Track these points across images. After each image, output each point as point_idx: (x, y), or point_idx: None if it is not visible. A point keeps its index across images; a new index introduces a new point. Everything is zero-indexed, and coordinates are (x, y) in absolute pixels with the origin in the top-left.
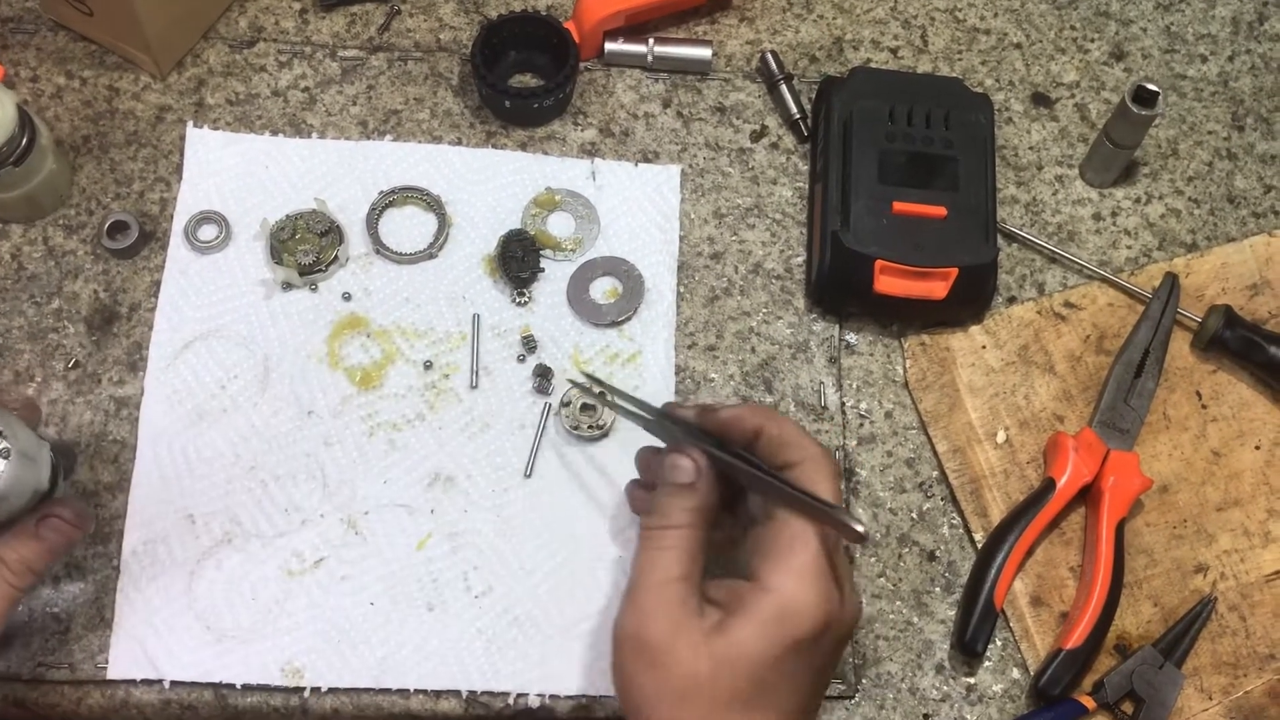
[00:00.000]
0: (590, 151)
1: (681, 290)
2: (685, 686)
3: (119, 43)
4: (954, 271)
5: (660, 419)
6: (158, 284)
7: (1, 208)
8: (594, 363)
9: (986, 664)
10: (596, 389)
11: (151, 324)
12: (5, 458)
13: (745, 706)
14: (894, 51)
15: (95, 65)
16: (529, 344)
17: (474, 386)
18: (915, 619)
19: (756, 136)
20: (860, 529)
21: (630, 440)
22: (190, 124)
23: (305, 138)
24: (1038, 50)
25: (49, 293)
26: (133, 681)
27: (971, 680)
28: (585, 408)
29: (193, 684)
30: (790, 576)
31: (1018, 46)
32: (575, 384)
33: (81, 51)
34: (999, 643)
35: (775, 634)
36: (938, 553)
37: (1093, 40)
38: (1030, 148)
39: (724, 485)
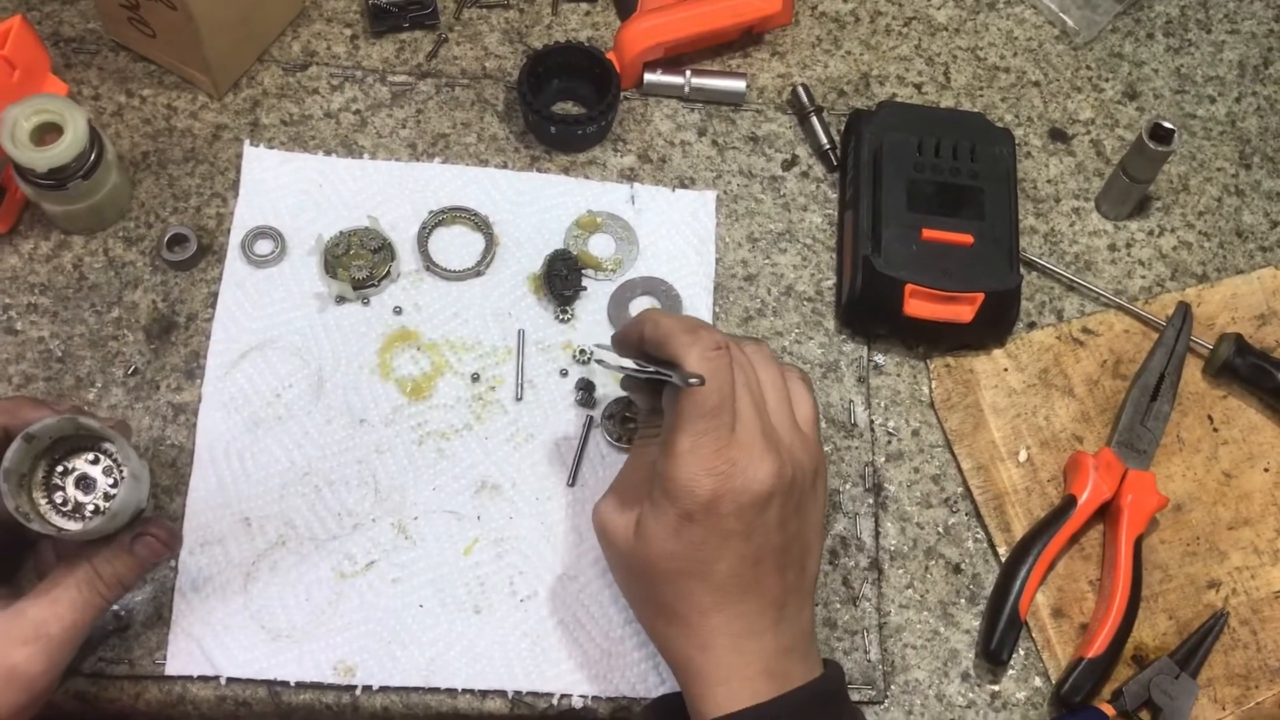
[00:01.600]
0: (629, 176)
1: (717, 310)
2: (626, 565)
3: (179, 63)
4: (980, 296)
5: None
6: (214, 295)
7: (67, 219)
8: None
9: (1010, 672)
10: (609, 363)
11: (208, 334)
12: (120, 479)
13: (673, 576)
14: (918, 87)
15: (154, 84)
16: (582, 356)
17: (519, 399)
18: (942, 629)
19: (788, 165)
20: (692, 381)
21: None
22: (247, 142)
23: (357, 158)
24: (1055, 88)
25: (109, 302)
26: (189, 678)
27: (996, 688)
28: (626, 420)
29: (248, 680)
30: (671, 461)
31: (1036, 84)
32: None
33: (141, 71)
34: (1022, 652)
35: (667, 513)
36: (963, 565)
37: (1107, 80)
38: (1049, 180)
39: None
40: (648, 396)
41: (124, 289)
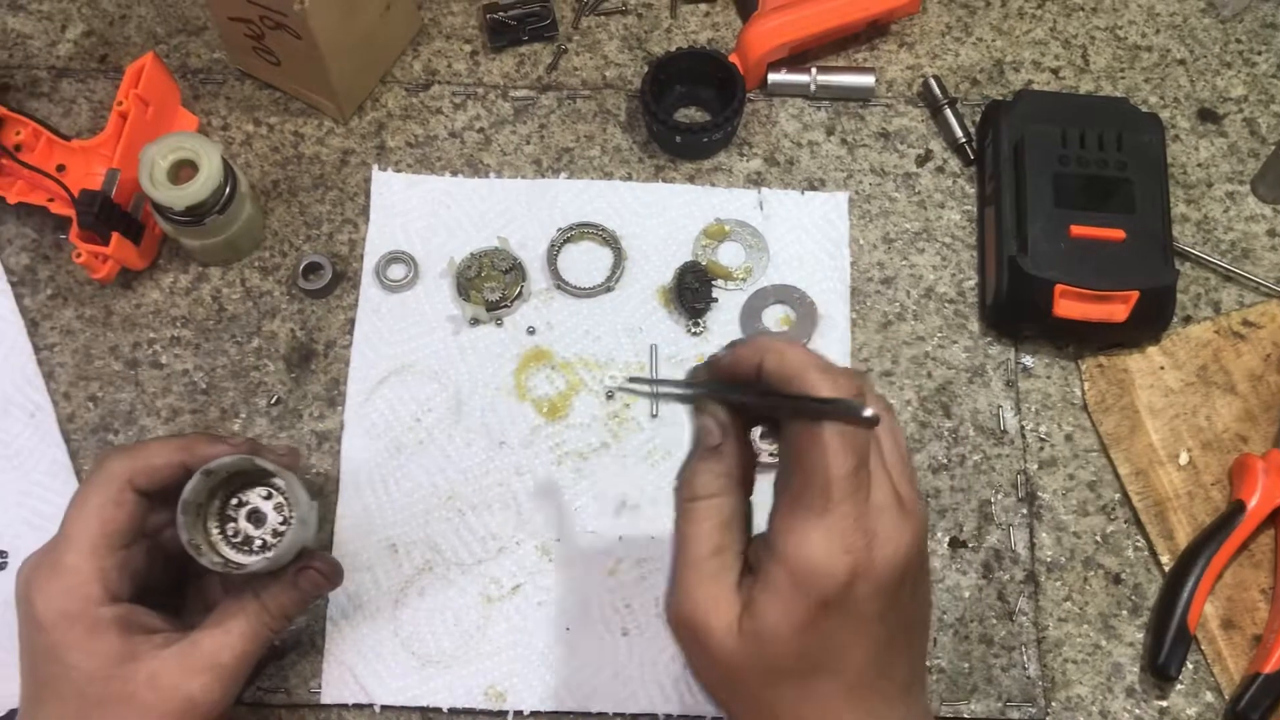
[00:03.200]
0: (756, 181)
1: (854, 316)
2: (727, 668)
3: (305, 90)
4: (1134, 294)
5: (691, 388)
6: (351, 322)
7: (204, 252)
8: None
9: (1179, 687)
10: (644, 387)
11: (347, 360)
12: (288, 518)
13: (798, 679)
14: (1055, 72)
15: (280, 112)
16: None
17: (654, 415)
18: (1103, 642)
19: (921, 161)
20: (868, 413)
21: None
22: (375, 167)
23: (483, 177)
24: (1202, 65)
25: (249, 332)
26: (344, 705)
27: (1164, 704)
28: (765, 435)
29: (401, 708)
30: (796, 536)
31: (1181, 63)
32: (623, 389)
33: (267, 99)
34: (1190, 666)
35: (797, 603)
36: (1123, 575)
37: (1260, 53)
38: (1199, 165)
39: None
40: (724, 434)
41: (263, 319)
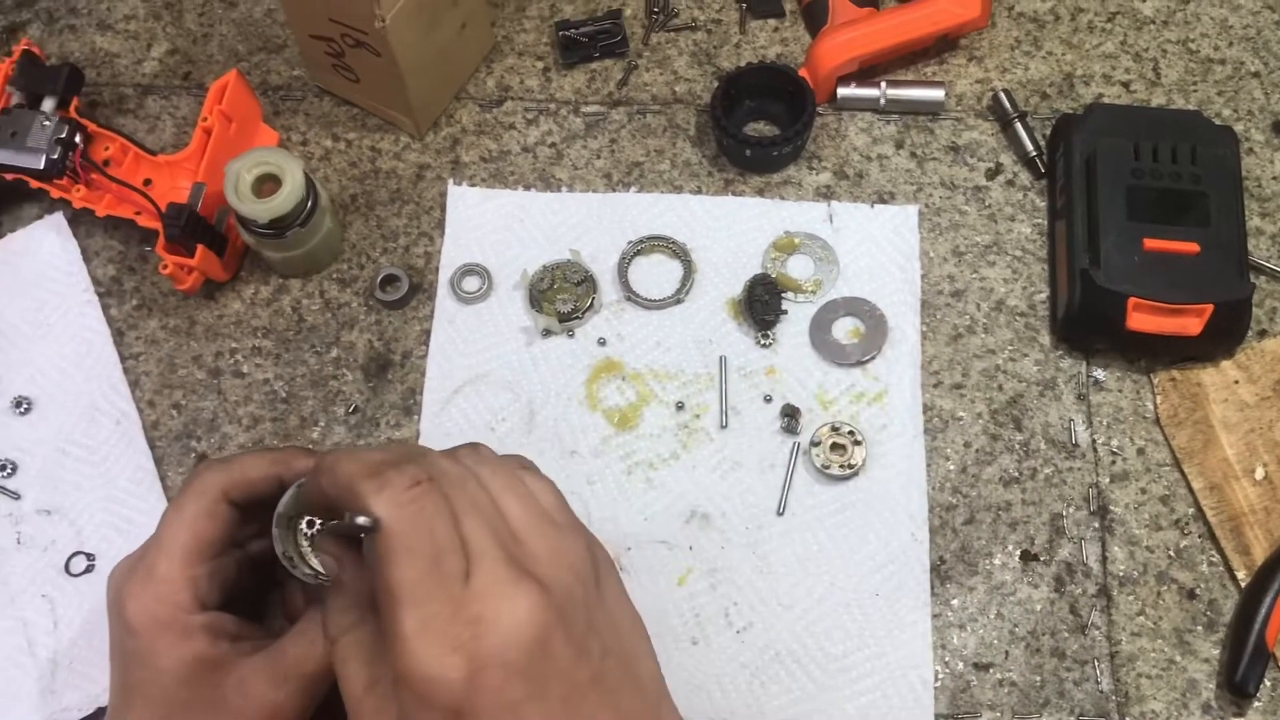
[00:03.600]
0: (826, 194)
1: (924, 329)
2: None
3: (382, 106)
4: (1209, 308)
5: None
6: (427, 333)
7: (285, 265)
8: (839, 402)
9: (1256, 705)
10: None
11: (423, 370)
12: None
13: None
14: (1126, 85)
15: (358, 128)
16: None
17: (724, 426)
18: (1178, 658)
19: (992, 174)
20: (362, 521)
21: (883, 479)
22: (451, 182)
23: (555, 192)
24: (1278, 78)
25: (328, 342)
26: None
27: None
28: (835, 447)
29: None
30: (399, 651)
31: (1255, 75)
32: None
33: (345, 115)
34: (1269, 683)
35: None
36: (1197, 590)
37: None
38: (1274, 178)
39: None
40: (339, 564)
41: (341, 329)
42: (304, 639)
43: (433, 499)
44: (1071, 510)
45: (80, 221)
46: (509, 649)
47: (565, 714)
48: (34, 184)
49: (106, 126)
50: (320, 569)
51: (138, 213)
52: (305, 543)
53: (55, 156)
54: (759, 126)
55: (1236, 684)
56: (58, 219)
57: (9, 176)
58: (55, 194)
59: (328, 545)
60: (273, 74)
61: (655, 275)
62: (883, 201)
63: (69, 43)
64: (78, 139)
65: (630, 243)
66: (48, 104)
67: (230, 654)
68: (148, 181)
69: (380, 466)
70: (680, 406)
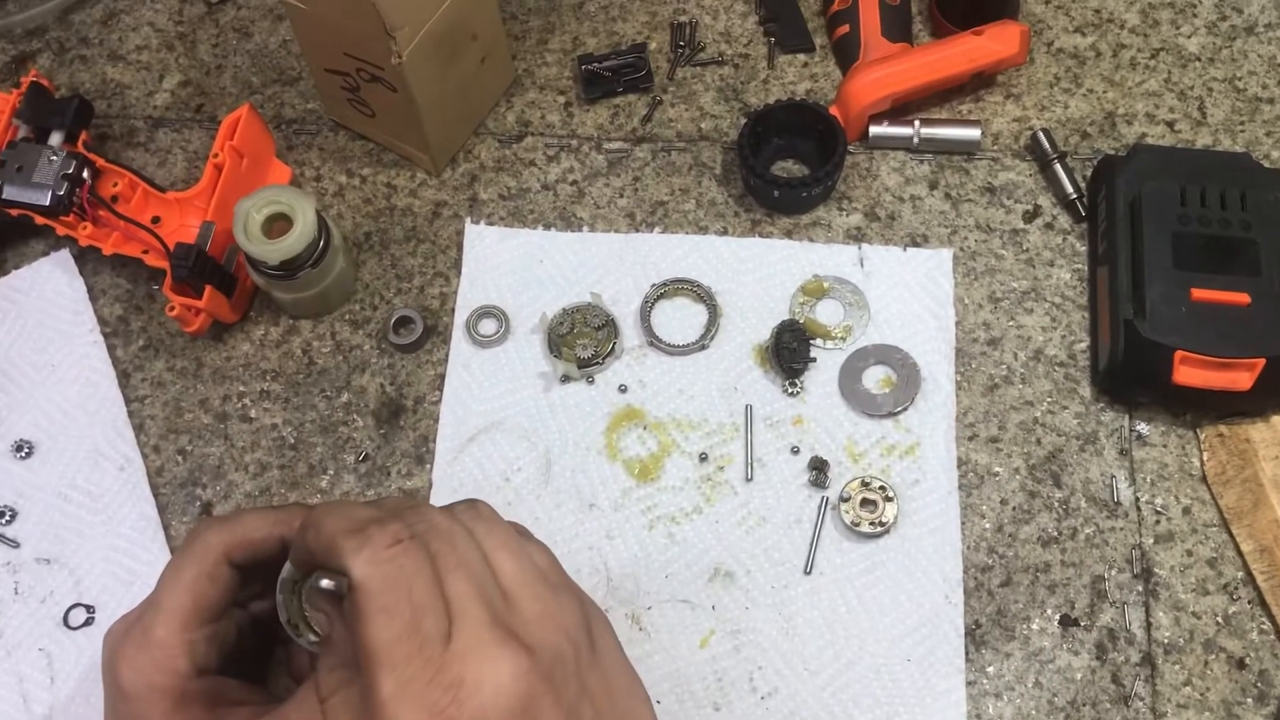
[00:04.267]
0: (856, 237)
1: (959, 379)
2: None
3: (398, 142)
4: (1261, 362)
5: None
6: (441, 377)
7: (296, 306)
8: (870, 455)
9: None
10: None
11: (436, 417)
12: None
13: None
14: (1170, 125)
15: (373, 163)
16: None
17: (749, 479)
18: None
19: (1030, 217)
20: (325, 584)
21: (915, 537)
22: (468, 220)
23: (576, 231)
24: None
25: (338, 387)
26: None
27: None
28: (865, 503)
29: None
30: (373, 717)
31: None
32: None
33: (360, 150)
34: None
35: None
36: (1247, 660)
37: None
38: None
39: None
40: (330, 621)
41: (352, 373)
42: (307, 705)
43: (413, 557)
44: (1114, 573)
45: (86, 259)
46: (491, 714)
47: None
48: (40, 220)
49: (115, 161)
50: None
51: (145, 251)
52: (309, 606)
53: (62, 193)
54: (788, 165)
55: None
56: (64, 256)
57: (14, 212)
58: (61, 231)
59: (319, 603)
60: (287, 107)
61: (679, 320)
62: (915, 245)
63: (79, 73)
64: (85, 174)
65: (653, 285)
66: (55, 138)
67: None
68: (156, 219)
69: (364, 523)
70: (704, 458)
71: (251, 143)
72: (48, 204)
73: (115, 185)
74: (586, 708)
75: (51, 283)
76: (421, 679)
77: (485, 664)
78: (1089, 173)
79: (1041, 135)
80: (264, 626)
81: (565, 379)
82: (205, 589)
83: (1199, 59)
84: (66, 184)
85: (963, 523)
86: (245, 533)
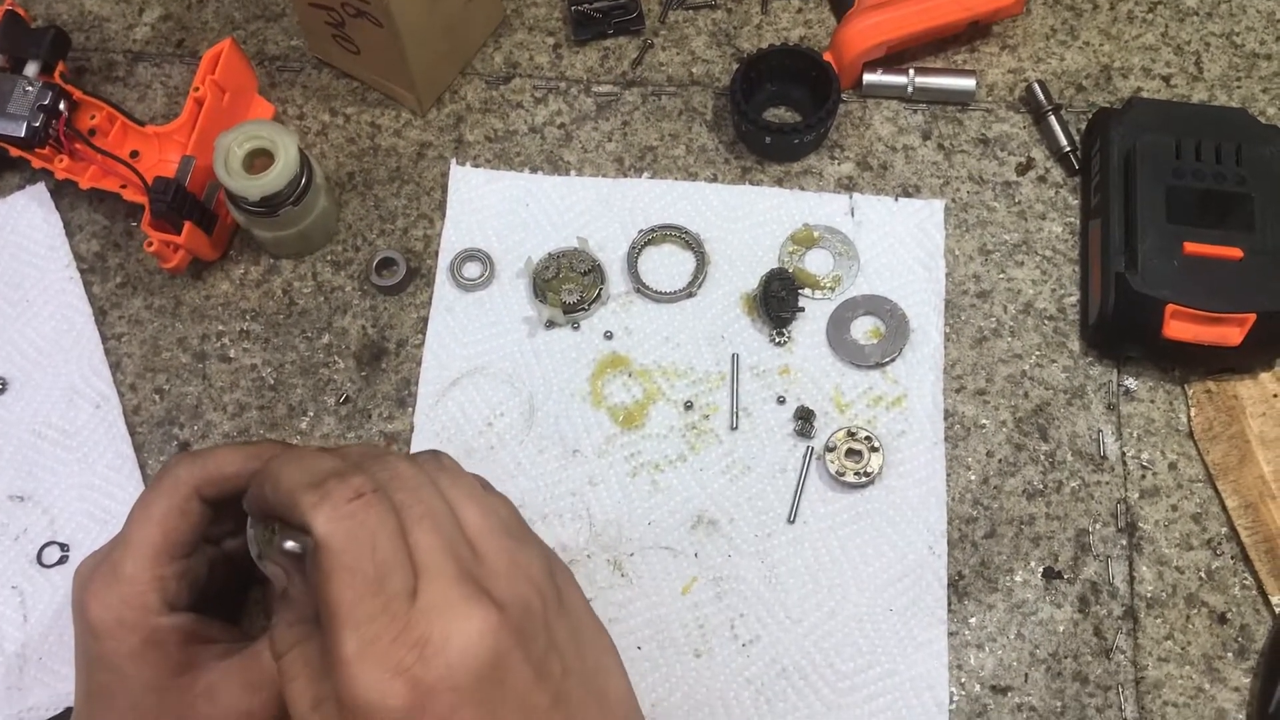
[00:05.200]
0: (848, 186)
1: (948, 330)
2: None
3: (383, 80)
4: (1251, 318)
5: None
6: (424, 320)
7: (276, 244)
8: (856, 405)
9: None
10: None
11: (418, 360)
12: None
13: None
14: (1166, 80)
15: (358, 102)
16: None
17: (734, 428)
18: (1206, 685)
19: (1023, 169)
20: (289, 546)
21: (900, 488)
22: (453, 162)
23: (563, 175)
24: None
25: (319, 328)
26: None
27: None
28: (851, 453)
29: None
30: (340, 677)
31: None
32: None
33: (344, 89)
34: None
35: None
36: (1229, 615)
37: None
38: None
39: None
40: (288, 575)
41: (333, 314)
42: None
43: (376, 511)
44: (1098, 526)
45: (63, 194)
46: (458, 673)
47: None
48: (14, 152)
49: (93, 94)
50: None
51: (123, 186)
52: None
53: (37, 124)
54: (779, 112)
55: (1269, 716)
56: (40, 189)
57: None
58: (37, 164)
59: (276, 556)
60: (270, 43)
61: (666, 267)
62: (907, 195)
63: (56, 4)
64: (62, 106)
65: (641, 232)
66: (31, 68)
67: (200, 658)
68: (135, 153)
69: (324, 476)
70: (689, 406)
71: (233, 78)
72: (23, 135)
73: (93, 118)
74: (555, 661)
75: (27, 216)
76: (386, 637)
77: (453, 621)
78: (1083, 126)
79: (1037, 87)
80: (238, 565)
81: (550, 324)
82: (175, 524)
83: (1197, 13)
84: (43, 115)
85: (948, 474)
86: (217, 467)
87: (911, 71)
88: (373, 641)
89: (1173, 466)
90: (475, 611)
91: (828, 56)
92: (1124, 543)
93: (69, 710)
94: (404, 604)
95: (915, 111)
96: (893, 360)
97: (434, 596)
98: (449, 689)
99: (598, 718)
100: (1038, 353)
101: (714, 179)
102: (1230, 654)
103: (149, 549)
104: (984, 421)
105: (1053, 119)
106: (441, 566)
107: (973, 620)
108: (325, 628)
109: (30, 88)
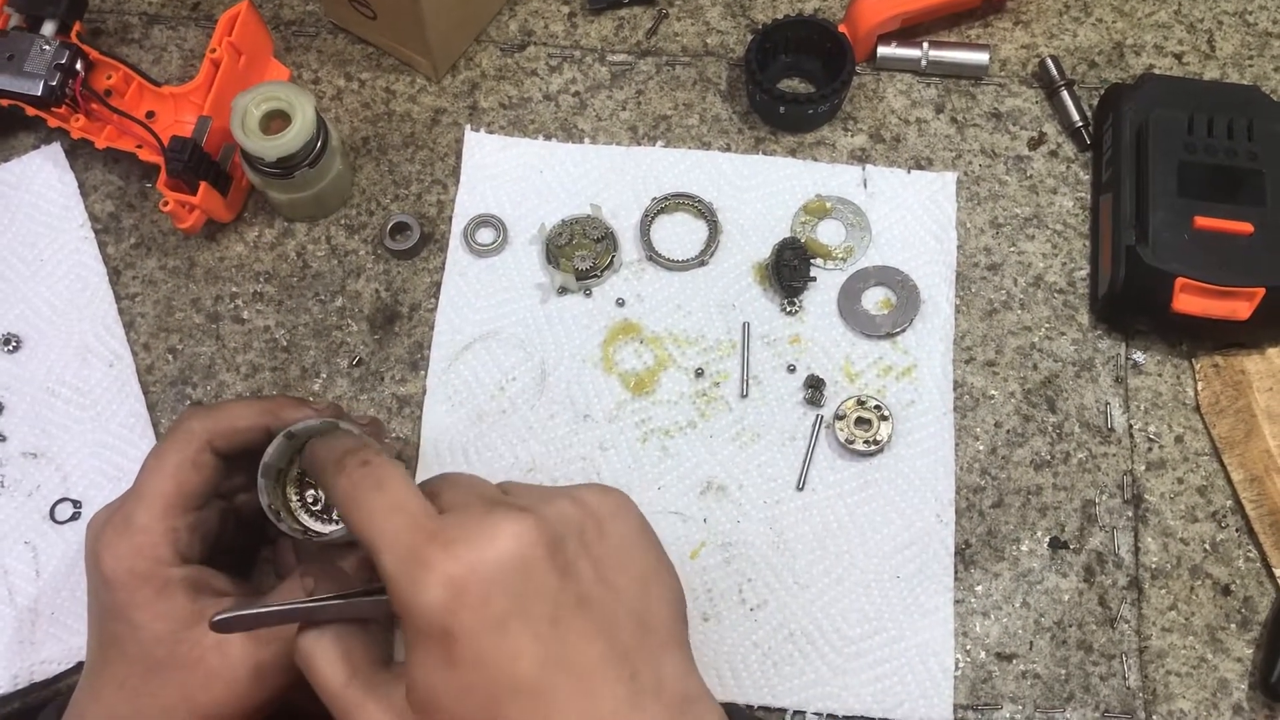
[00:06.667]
0: (860, 158)
1: (958, 302)
2: None
3: (399, 46)
4: (1260, 292)
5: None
6: (437, 285)
7: (291, 207)
8: (866, 375)
9: None
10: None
11: (431, 324)
12: None
13: (489, 710)
14: (1178, 57)
15: (373, 68)
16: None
17: (744, 395)
18: (1209, 655)
19: (1034, 144)
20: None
21: (909, 457)
22: (468, 128)
23: (577, 143)
24: None
25: (333, 291)
26: None
27: None
28: (860, 421)
29: None
30: (391, 588)
31: None
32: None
33: (360, 54)
34: None
35: (426, 649)
36: (1233, 587)
37: None
38: None
39: None
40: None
41: (347, 278)
42: (291, 597)
43: (389, 465)
44: (1104, 498)
45: (78, 153)
46: (487, 564)
47: (555, 635)
48: (31, 111)
49: (109, 55)
50: (309, 525)
51: (139, 146)
52: (294, 495)
53: (54, 83)
54: (793, 83)
55: (1271, 686)
56: (55, 149)
57: (4, 102)
58: (53, 123)
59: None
60: (286, 7)
61: (679, 235)
62: (920, 167)
63: None
64: (78, 65)
65: (654, 200)
66: (48, 27)
67: (212, 609)
68: (151, 114)
69: (343, 453)
70: (699, 373)
71: (249, 40)
72: (39, 94)
73: (109, 78)
74: (585, 565)
75: (42, 176)
76: (419, 543)
77: (483, 523)
78: (1095, 102)
79: (1050, 62)
80: (249, 522)
81: (563, 290)
82: (188, 475)
83: None
84: (59, 74)
85: (957, 444)
86: (230, 421)
87: (925, 45)
88: (410, 551)
89: (1179, 440)
90: (502, 516)
91: (842, 28)
92: (1130, 514)
93: (80, 665)
94: (435, 521)
95: (928, 85)
96: (903, 331)
97: (462, 513)
98: (480, 579)
99: (633, 631)
100: (1047, 325)
101: (727, 149)
102: (1233, 625)
103: (162, 500)
104: (993, 392)
105: (1065, 94)
106: (470, 500)
107: (979, 588)
108: (374, 559)
109: (47, 46)
